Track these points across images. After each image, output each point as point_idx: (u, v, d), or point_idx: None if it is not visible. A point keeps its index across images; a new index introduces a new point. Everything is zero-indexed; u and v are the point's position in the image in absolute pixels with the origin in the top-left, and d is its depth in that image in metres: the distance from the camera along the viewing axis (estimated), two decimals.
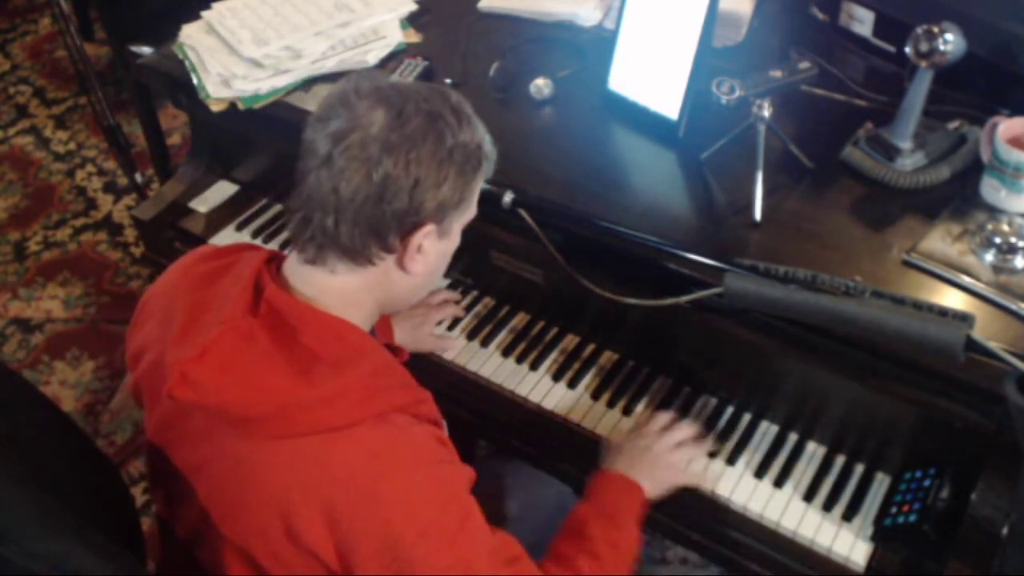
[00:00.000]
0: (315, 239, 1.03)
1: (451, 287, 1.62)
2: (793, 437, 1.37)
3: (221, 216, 1.79)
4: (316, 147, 1.01)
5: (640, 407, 1.42)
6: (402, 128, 0.99)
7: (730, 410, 1.41)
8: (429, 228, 1.03)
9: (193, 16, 1.82)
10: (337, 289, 1.05)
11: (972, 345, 0.99)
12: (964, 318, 1.01)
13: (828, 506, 1.28)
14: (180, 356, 1.01)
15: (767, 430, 1.39)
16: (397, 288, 1.09)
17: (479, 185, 1.09)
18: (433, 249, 1.07)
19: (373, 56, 1.73)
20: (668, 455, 1.31)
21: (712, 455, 1.36)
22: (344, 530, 0.98)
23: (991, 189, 1.36)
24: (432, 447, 1.05)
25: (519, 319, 1.57)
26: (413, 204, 1.01)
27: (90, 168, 3.12)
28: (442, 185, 1.02)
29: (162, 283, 1.17)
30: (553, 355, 1.50)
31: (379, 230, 1.01)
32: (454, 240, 1.11)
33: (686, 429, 1.34)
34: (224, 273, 1.11)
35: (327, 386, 0.99)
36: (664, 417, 1.36)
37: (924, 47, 1.30)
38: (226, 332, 1.02)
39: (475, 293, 1.61)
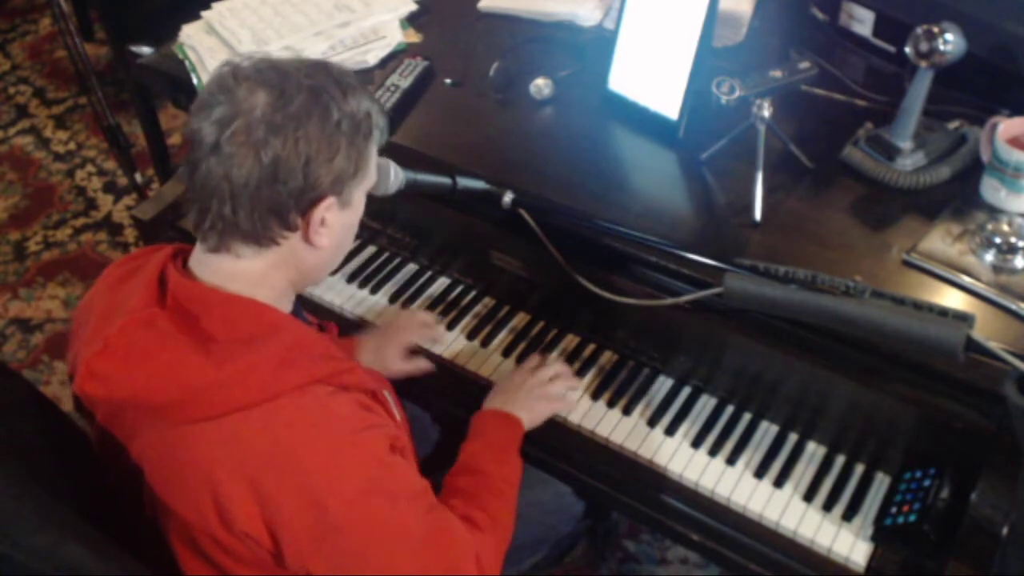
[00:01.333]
0: (215, 227, 1.04)
1: (451, 287, 1.62)
2: (793, 437, 1.37)
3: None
4: (202, 136, 1.01)
5: (640, 407, 1.42)
6: (285, 108, 0.99)
7: (730, 410, 1.41)
8: (329, 201, 1.04)
9: (193, 16, 1.82)
10: (244, 273, 1.06)
11: (972, 345, 0.99)
12: (964, 318, 1.01)
13: (828, 506, 1.28)
14: (87, 353, 1.03)
15: (767, 430, 1.39)
16: (306, 263, 1.10)
17: (373, 152, 1.10)
18: (337, 221, 1.07)
19: (373, 56, 1.73)
20: (541, 388, 1.40)
21: (598, 398, 1.43)
22: (271, 505, 0.99)
23: (991, 189, 1.35)
24: (354, 415, 1.05)
25: (519, 319, 1.56)
26: (308, 181, 1.01)
27: (90, 168, 3.12)
28: (335, 158, 1.02)
29: (88, 294, 1.18)
30: (553, 355, 1.50)
31: (278, 211, 1.02)
32: (357, 209, 1.11)
33: (556, 365, 1.44)
34: (135, 273, 1.12)
35: (237, 364, 1.00)
36: (534, 358, 1.46)
37: (924, 47, 1.30)
38: (127, 324, 1.03)
39: (475, 293, 1.61)
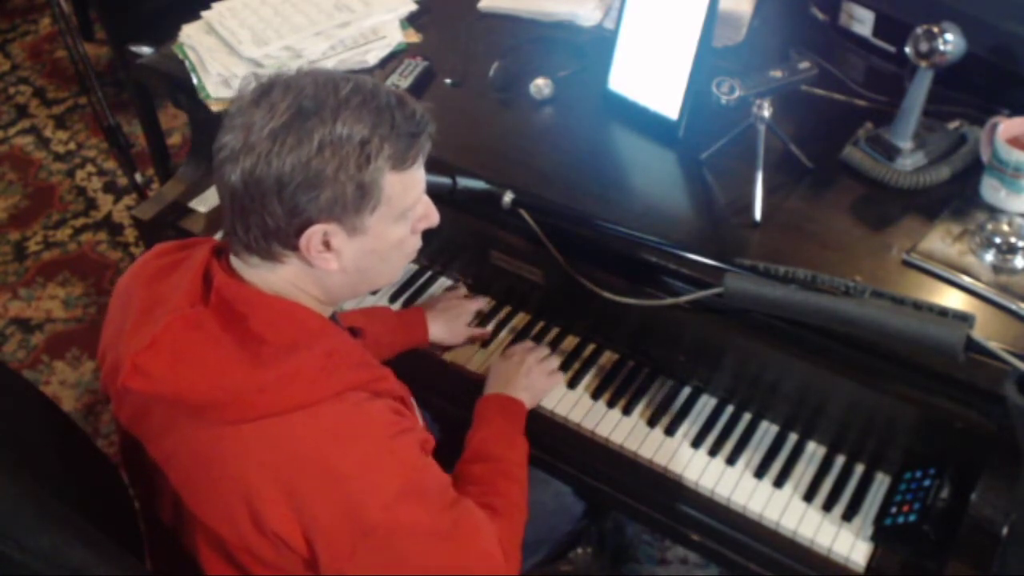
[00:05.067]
0: (229, 236, 1.05)
1: (451, 288, 1.62)
2: (793, 437, 1.37)
3: (221, 216, 1.78)
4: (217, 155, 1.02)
5: (640, 407, 1.42)
6: (266, 127, 0.97)
7: (730, 410, 1.41)
8: (318, 228, 1.01)
9: (193, 16, 1.82)
10: (270, 281, 1.06)
11: (972, 345, 1.00)
12: (964, 318, 1.02)
13: (828, 506, 1.28)
14: (132, 348, 1.02)
15: (767, 430, 1.39)
16: (324, 284, 1.08)
17: (387, 178, 1.01)
18: (349, 247, 1.04)
19: (373, 56, 1.73)
20: (539, 365, 1.44)
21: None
22: (307, 511, 0.99)
23: (991, 189, 1.36)
24: (388, 420, 1.06)
25: (519, 319, 1.56)
26: (286, 206, 0.98)
27: (90, 168, 3.12)
28: (316, 184, 0.97)
29: (122, 282, 1.17)
30: (553, 355, 1.50)
31: (268, 231, 1.01)
32: (382, 237, 1.06)
33: (543, 348, 1.49)
34: (176, 267, 1.12)
35: (280, 368, 1.00)
36: (524, 344, 1.49)
37: (924, 47, 1.30)
38: (174, 321, 1.03)
39: (475, 293, 1.61)
